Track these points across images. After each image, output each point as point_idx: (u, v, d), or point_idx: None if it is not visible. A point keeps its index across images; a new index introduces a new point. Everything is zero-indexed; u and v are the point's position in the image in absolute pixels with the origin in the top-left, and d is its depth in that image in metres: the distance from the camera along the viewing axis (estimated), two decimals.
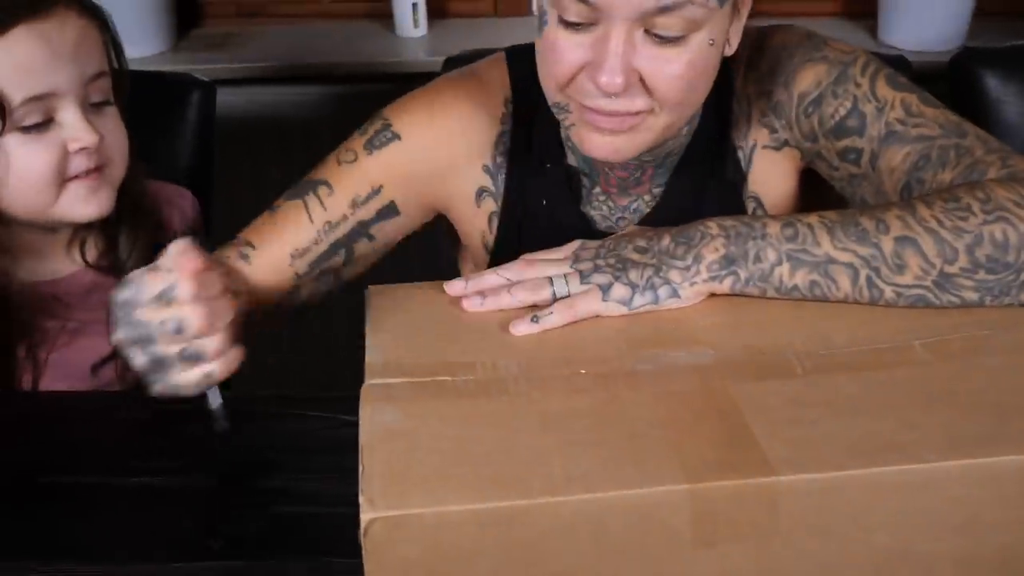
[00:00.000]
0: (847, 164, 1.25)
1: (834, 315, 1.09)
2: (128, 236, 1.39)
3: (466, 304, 1.08)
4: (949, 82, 1.65)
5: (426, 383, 1.01)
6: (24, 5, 1.25)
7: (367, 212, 1.26)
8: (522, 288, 1.08)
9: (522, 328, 1.05)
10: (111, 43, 1.37)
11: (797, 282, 1.08)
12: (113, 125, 1.34)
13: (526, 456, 0.92)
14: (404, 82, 2.09)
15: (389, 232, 1.28)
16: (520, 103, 1.28)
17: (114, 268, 1.39)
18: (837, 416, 0.96)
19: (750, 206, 1.30)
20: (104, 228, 1.37)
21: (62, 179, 1.30)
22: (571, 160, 1.28)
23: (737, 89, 1.26)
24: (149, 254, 1.39)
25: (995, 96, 1.63)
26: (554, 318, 1.06)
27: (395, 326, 1.09)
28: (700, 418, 0.96)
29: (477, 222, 1.31)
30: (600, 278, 1.09)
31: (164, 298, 0.98)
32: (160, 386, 1.01)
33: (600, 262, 1.11)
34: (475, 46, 1.95)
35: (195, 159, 1.66)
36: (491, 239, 1.31)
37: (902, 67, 1.55)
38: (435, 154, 1.28)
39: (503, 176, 1.29)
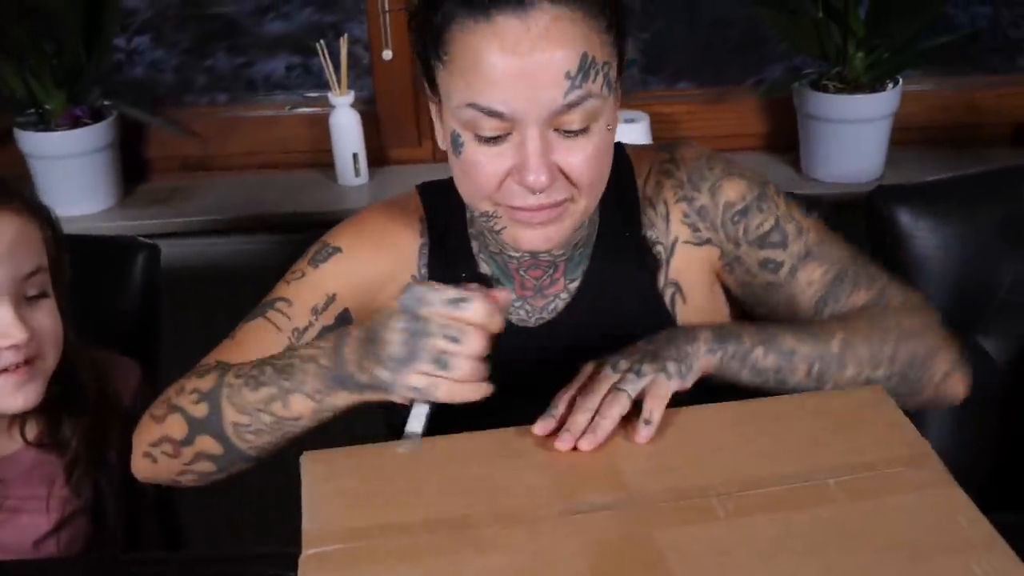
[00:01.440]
0: (766, 272, 1.34)
1: (754, 453, 1.09)
2: (70, 414, 1.38)
3: (560, 445, 1.09)
4: (867, 217, 1.69)
5: (361, 548, 1.00)
6: None
7: (328, 318, 1.28)
8: (608, 406, 1.10)
9: (644, 434, 1.09)
10: (52, 238, 1.35)
11: (768, 365, 1.19)
12: (47, 317, 1.32)
13: None
14: None
15: None
16: (433, 222, 1.34)
17: (57, 447, 1.38)
18: (760, 560, 0.96)
19: (668, 292, 1.34)
20: (45, 408, 1.35)
21: None
22: (484, 268, 1.32)
23: (648, 193, 1.34)
24: (94, 428, 1.39)
25: (908, 231, 1.65)
26: (656, 414, 1.11)
27: (330, 492, 1.08)
28: (626, 570, 0.95)
29: None
30: (650, 368, 1.14)
31: (455, 304, 1.03)
32: (391, 374, 1.04)
33: (632, 363, 1.15)
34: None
35: (140, 321, 1.64)
36: None
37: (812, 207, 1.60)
38: (373, 264, 1.32)
39: None
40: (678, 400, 1.16)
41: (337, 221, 2.07)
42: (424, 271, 1.33)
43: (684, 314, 1.35)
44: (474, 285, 1.06)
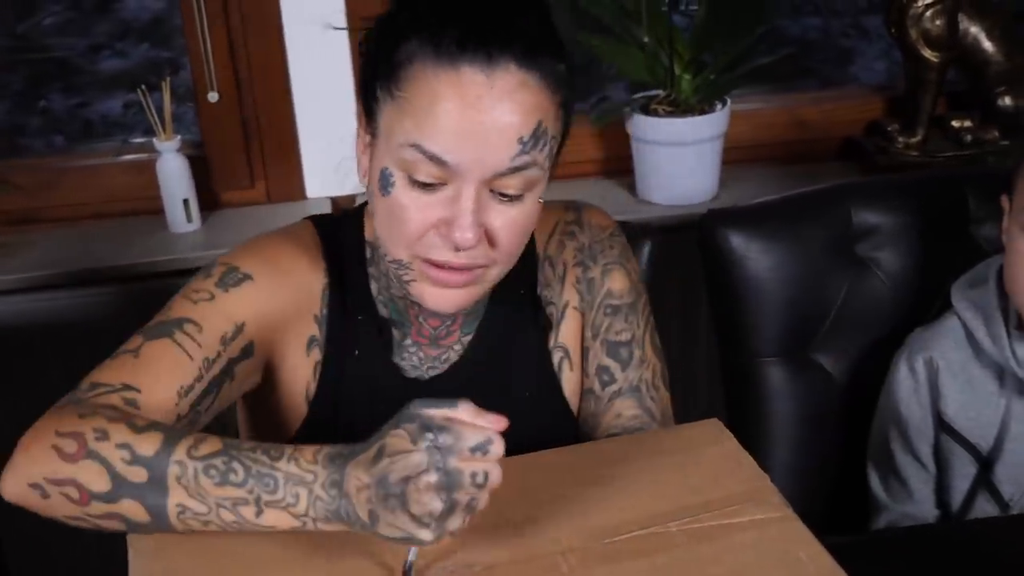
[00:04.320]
0: (596, 379, 1.37)
1: (594, 499, 1.10)
2: None
3: None
4: (700, 242, 1.70)
5: None
6: None
7: (234, 350, 1.22)
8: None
9: None
10: None
11: None
12: None
13: None
14: (180, 277, 2.05)
15: (242, 377, 1.24)
16: (331, 261, 1.30)
17: None
18: None
19: (557, 355, 1.36)
20: None
21: None
22: (383, 312, 1.29)
23: (548, 252, 1.35)
24: None
25: (740, 254, 1.67)
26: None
27: (157, 571, 1.06)
28: None
29: (303, 372, 1.29)
30: None
31: (480, 450, 0.98)
32: (433, 533, 0.99)
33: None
34: (250, 234, 1.93)
35: None
36: (313, 388, 1.29)
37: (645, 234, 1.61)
38: (283, 298, 1.27)
39: (326, 327, 1.29)
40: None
41: (172, 270, 2.06)
42: (325, 311, 1.29)
43: (569, 381, 1.37)
44: (469, 408, 1.01)
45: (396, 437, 1.00)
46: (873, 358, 1.66)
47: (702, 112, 2.11)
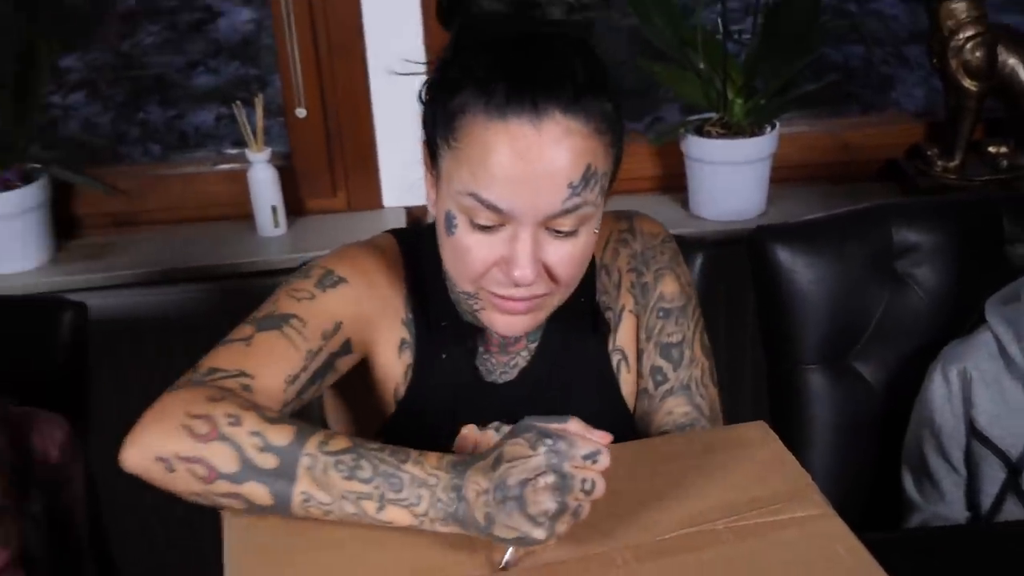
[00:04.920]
0: (650, 379, 1.35)
1: (650, 495, 1.09)
2: None
3: None
4: (750, 255, 1.70)
5: None
6: None
7: (335, 344, 1.22)
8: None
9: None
10: None
11: None
12: None
13: None
14: (267, 278, 2.09)
15: (341, 370, 1.24)
16: (412, 271, 1.30)
17: None
18: None
19: (616, 357, 1.35)
20: None
21: None
22: (467, 317, 1.29)
23: (604, 260, 1.34)
24: (13, 483, 1.35)
25: (787, 267, 1.67)
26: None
27: (251, 547, 1.06)
28: None
29: (393, 372, 1.29)
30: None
31: (591, 459, 0.99)
32: (546, 532, 0.99)
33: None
34: (331, 239, 1.96)
35: (68, 376, 1.60)
36: (403, 389, 1.29)
37: (697, 247, 1.61)
38: (373, 302, 1.27)
39: (414, 331, 1.29)
40: None
41: (260, 271, 2.08)
42: (410, 316, 1.29)
43: (627, 382, 1.37)
44: (579, 423, 1.03)
45: (514, 445, 1.00)
46: (910, 368, 1.65)
47: (752, 134, 2.10)
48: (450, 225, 1.17)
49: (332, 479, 1.04)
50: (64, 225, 2.18)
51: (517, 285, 1.16)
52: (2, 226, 2.03)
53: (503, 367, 1.33)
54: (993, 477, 1.51)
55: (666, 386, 1.35)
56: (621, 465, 1.11)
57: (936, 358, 1.57)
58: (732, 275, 1.72)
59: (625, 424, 1.36)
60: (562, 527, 0.99)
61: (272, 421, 1.06)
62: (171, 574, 2.23)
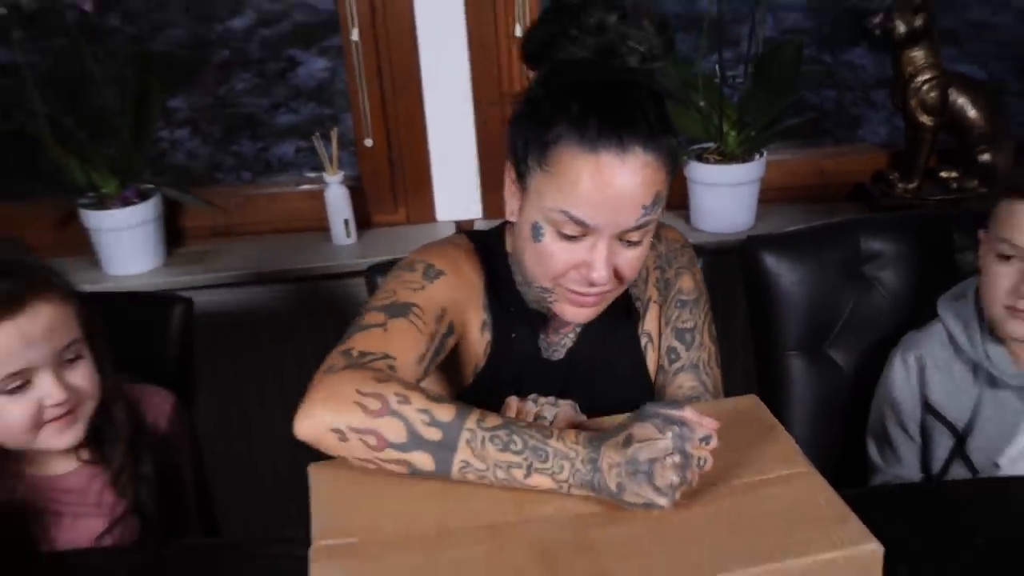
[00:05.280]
0: (666, 357, 1.36)
1: None
2: (111, 439, 1.35)
3: None
4: (741, 261, 1.70)
5: (356, 544, 0.98)
6: (2, 303, 1.22)
7: (444, 327, 1.22)
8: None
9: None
10: (84, 313, 1.32)
11: None
12: (83, 376, 1.29)
13: None
14: (340, 279, 2.10)
15: (447, 349, 1.24)
16: (486, 265, 1.30)
17: (104, 464, 1.35)
18: (666, 545, 0.96)
19: (643, 339, 1.35)
20: (92, 436, 1.33)
21: (39, 424, 1.26)
22: (532, 304, 1.29)
23: None
24: (130, 448, 1.36)
25: (773, 271, 1.67)
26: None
27: (335, 497, 1.05)
28: (570, 558, 0.95)
29: (475, 349, 1.29)
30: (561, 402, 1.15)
31: (705, 441, 1.00)
32: (669, 500, 1.00)
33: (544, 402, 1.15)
34: (394, 248, 1.97)
35: (178, 359, 1.61)
36: (482, 363, 1.29)
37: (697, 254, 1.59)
38: (464, 289, 1.27)
39: (491, 314, 1.29)
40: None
41: (334, 274, 2.09)
42: (486, 302, 1.28)
43: (651, 360, 1.37)
44: (691, 410, 1.03)
45: (643, 428, 1.00)
46: (874, 354, 1.64)
47: (744, 161, 2.10)
48: (537, 233, 1.18)
49: (488, 451, 1.03)
50: (172, 235, 2.19)
51: (592, 284, 1.17)
52: (124, 235, 2.05)
53: (555, 346, 1.33)
54: (943, 444, 1.52)
55: (678, 364, 1.35)
56: None
57: (896, 346, 1.57)
58: (727, 277, 1.72)
59: (648, 394, 1.36)
60: (678, 495, 0.99)
61: (436, 400, 1.06)
62: (265, 528, 2.23)
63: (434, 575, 0.94)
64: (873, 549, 0.95)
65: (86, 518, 1.34)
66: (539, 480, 1.03)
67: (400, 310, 1.18)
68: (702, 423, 1.01)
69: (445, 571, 0.94)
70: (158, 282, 2.06)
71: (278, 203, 2.26)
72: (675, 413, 1.01)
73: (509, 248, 1.30)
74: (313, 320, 2.12)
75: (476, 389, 1.30)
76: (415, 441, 1.03)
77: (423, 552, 0.96)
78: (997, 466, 1.48)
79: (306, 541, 0.98)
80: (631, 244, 1.17)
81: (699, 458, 1.00)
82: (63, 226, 2.13)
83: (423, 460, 1.04)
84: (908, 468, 1.54)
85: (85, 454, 1.34)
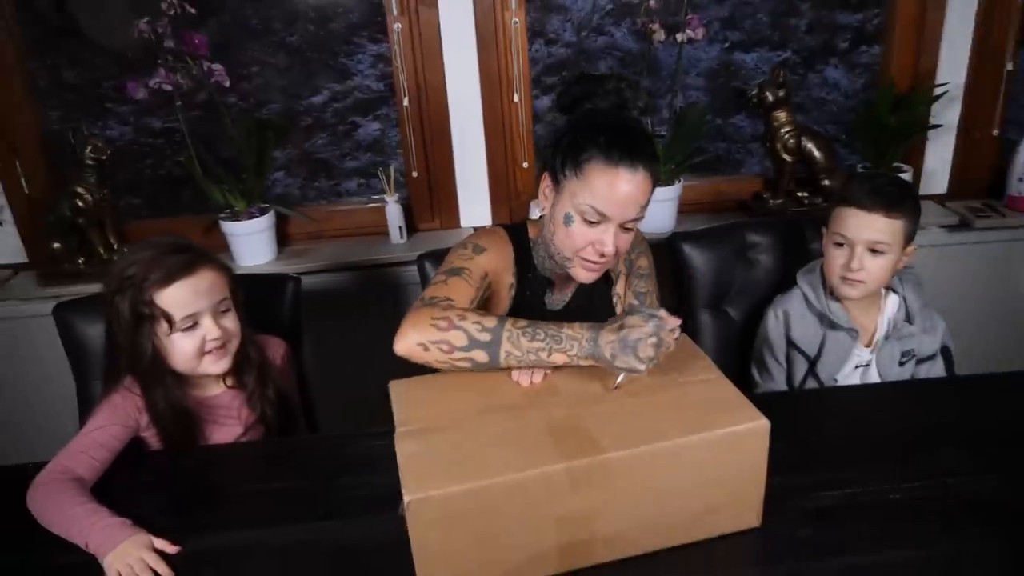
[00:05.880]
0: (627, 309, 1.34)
1: (608, 372, 1.07)
2: (247, 371, 1.35)
3: (522, 380, 1.06)
4: (668, 250, 1.69)
5: (425, 427, 1.00)
6: (181, 268, 1.23)
7: (485, 284, 1.21)
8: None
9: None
10: (231, 280, 1.31)
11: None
12: (231, 322, 1.30)
13: (491, 458, 0.93)
14: (397, 267, 2.07)
15: (485, 298, 1.22)
16: (516, 246, 1.29)
17: (242, 388, 1.35)
18: (628, 421, 0.98)
19: (615, 298, 1.34)
20: (234, 368, 1.34)
21: (202, 353, 1.26)
22: (544, 273, 1.29)
23: None
24: (258, 377, 1.36)
25: (688, 255, 1.66)
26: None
27: (410, 398, 1.06)
28: (566, 434, 0.97)
29: (504, 301, 1.27)
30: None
31: (672, 332, 1.03)
32: (646, 368, 1.01)
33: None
34: (433, 244, 1.97)
35: (291, 319, 1.59)
36: (507, 310, 1.27)
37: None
38: (500, 261, 1.26)
39: (516, 279, 1.27)
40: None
41: (393, 265, 2.08)
42: (515, 270, 1.27)
43: (619, 312, 1.33)
44: (665, 312, 1.04)
45: (632, 319, 1.02)
46: (755, 310, 1.64)
47: (669, 185, 2.11)
48: (568, 220, 1.17)
49: (522, 342, 1.04)
50: (281, 238, 2.19)
51: (602, 256, 1.17)
52: (249, 239, 2.06)
53: (557, 302, 1.32)
54: (800, 368, 1.52)
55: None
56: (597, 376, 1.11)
57: (769, 304, 1.56)
58: (659, 260, 1.69)
59: None
60: (652, 365, 1.02)
61: (484, 316, 1.07)
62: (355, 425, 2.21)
63: (479, 440, 0.96)
64: (763, 423, 0.98)
65: (228, 426, 1.34)
66: (557, 357, 1.05)
67: (456, 272, 1.19)
68: (671, 319, 1.04)
69: (485, 438, 0.97)
70: (274, 269, 2.07)
71: (353, 216, 2.26)
72: (654, 311, 1.04)
73: (532, 235, 1.30)
74: (378, 295, 2.13)
75: None
76: (473, 343, 1.05)
77: (470, 427, 0.99)
78: (836, 381, 1.50)
79: (381, 435, 0.99)
80: (627, 230, 1.18)
81: (667, 343, 1.02)
82: (208, 232, 2.13)
83: (480, 355, 1.05)
84: (778, 383, 1.55)
85: (230, 380, 1.35)
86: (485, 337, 1.05)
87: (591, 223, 1.16)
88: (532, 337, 1.06)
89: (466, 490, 0.89)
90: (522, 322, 1.07)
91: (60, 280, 2.03)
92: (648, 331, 1.02)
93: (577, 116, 1.20)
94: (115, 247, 2.08)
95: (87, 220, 2.01)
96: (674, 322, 1.04)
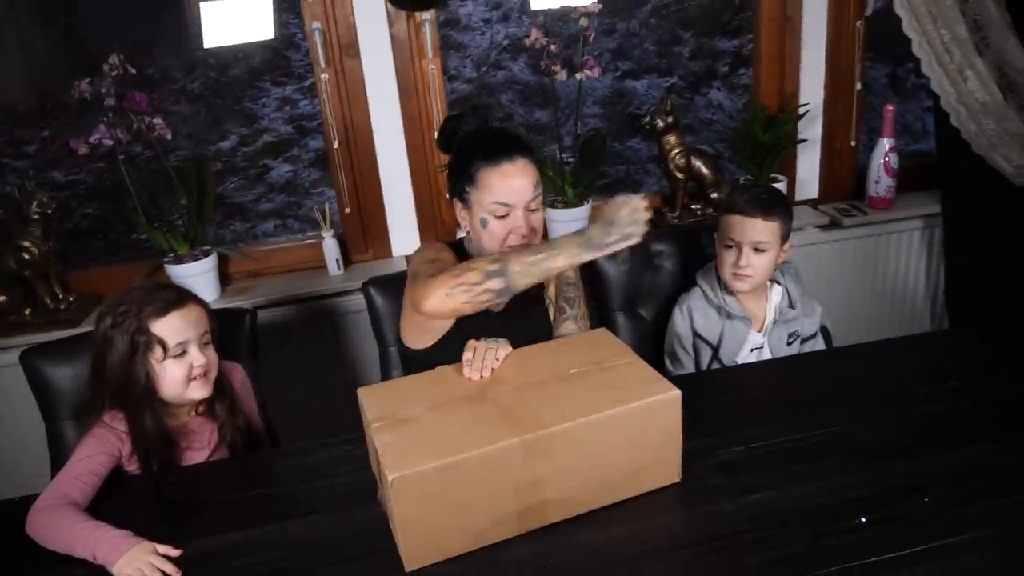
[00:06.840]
0: (559, 313, 1.42)
1: (544, 366, 1.17)
2: (219, 399, 1.40)
3: (473, 375, 1.13)
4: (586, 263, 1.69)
5: (396, 419, 1.07)
6: (174, 300, 1.31)
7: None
8: (487, 359, 1.15)
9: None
10: (210, 315, 1.39)
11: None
12: (212, 352, 1.36)
13: (457, 439, 1.01)
14: (335, 297, 2.11)
15: None
16: (457, 256, 1.33)
17: (211, 413, 1.40)
18: (562, 399, 1.08)
19: (547, 302, 1.39)
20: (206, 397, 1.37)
21: (189, 379, 1.32)
22: None
23: None
24: (230, 407, 1.40)
25: (604, 267, 1.75)
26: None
27: (379, 397, 1.14)
28: (516, 415, 1.07)
29: None
30: (501, 343, 1.18)
31: (646, 211, 1.12)
32: (627, 237, 1.10)
33: (488, 343, 1.18)
34: (368, 274, 1.92)
35: (249, 351, 1.62)
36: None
37: None
38: (452, 260, 1.29)
39: None
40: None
41: (329, 294, 2.11)
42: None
43: (551, 314, 1.43)
44: (638, 197, 1.13)
45: (606, 208, 1.12)
46: (663, 308, 1.72)
47: (577, 206, 2.18)
48: (484, 223, 1.25)
49: (524, 257, 1.14)
50: (223, 277, 2.20)
51: (524, 237, 1.25)
52: (198, 279, 2.08)
53: (498, 305, 1.34)
54: (705, 355, 1.61)
55: (564, 316, 1.43)
56: (539, 349, 1.25)
57: (676, 302, 1.64)
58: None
59: (547, 334, 1.43)
60: (628, 236, 1.12)
61: (485, 257, 1.15)
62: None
63: (444, 426, 1.06)
64: (675, 394, 1.11)
65: (197, 450, 1.39)
66: (559, 260, 1.14)
67: (435, 263, 1.25)
68: (644, 201, 1.15)
69: (449, 423, 1.07)
70: (220, 305, 2.04)
71: (291, 252, 2.28)
72: (632, 196, 1.16)
73: (467, 247, 1.39)
74: (319, 325, 2.16)
75: (454, 330, 1.34)
76: (488, 275, 1.14)
77: (434, 416, 1.09)
78: (735, 362, 1.60)
79: (341, 443, 1.08)
80: (532, 211, 1.27)
81: (640, 209, 1.13)
82: (152, 276, 2.13)
83: (496, 283, 1.13)
84: (688, 371, 1.61)
85: (201, 408, 1.40)
86: (495, 267, 1.13)
87: (502, 217, 1.24)
88: (533, 253, 1.14)
89: (439, 467, 0.99)
90: (515, 248, 1.16)
91: (7, 331, 2.04)
92: (621, 206, 1.13)
93: (456, 146, 1.32)
94: (60, 297, 2.09)
95: (33, 272, 2.03)
96: (639, 198, 1.14)
